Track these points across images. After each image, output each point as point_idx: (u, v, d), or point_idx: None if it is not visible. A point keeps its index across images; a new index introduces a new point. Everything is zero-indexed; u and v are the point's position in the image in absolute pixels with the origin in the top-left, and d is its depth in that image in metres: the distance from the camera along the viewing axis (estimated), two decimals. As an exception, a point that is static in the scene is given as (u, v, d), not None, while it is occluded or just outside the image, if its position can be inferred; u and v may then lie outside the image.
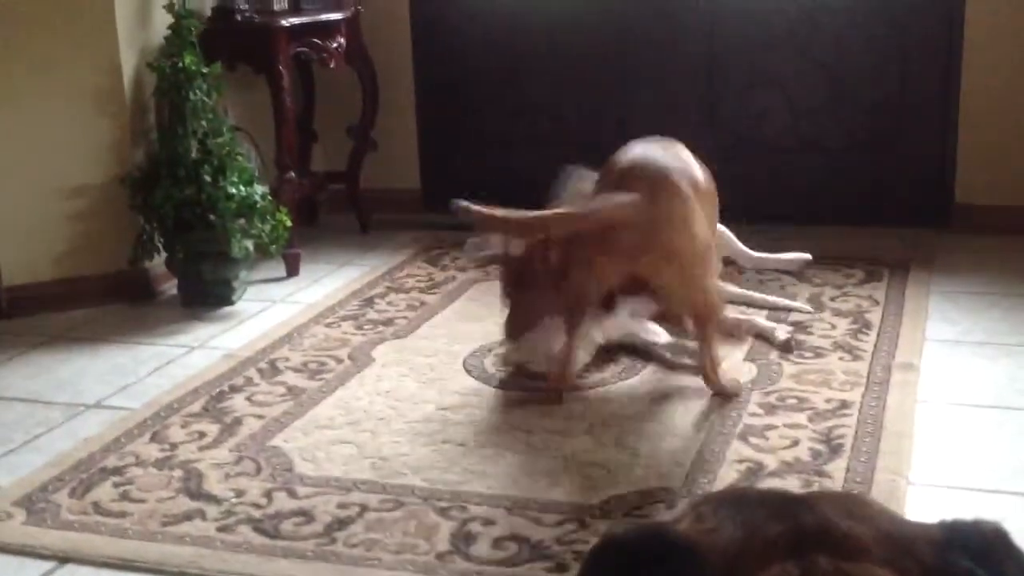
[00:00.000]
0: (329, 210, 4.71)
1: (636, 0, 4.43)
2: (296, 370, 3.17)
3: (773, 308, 3.44)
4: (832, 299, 3.55)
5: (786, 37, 4.32)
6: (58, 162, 3.70)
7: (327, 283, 3.95)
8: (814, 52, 4.31)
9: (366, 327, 3.48)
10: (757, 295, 3.51)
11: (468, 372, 3.11)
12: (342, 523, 2.34)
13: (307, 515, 2.38)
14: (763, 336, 3.22)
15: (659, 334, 3.19)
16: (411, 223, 4.56)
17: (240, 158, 3.76)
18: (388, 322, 3.52)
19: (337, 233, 4.53)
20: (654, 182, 2.74)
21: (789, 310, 3.43)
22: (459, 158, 4.72)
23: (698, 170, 2.89)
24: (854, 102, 4.31)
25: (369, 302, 3.71)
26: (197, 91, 3.67)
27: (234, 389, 3.05)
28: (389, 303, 3.69)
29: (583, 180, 3.11)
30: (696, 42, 4.41)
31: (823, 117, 4.35)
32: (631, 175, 2.77)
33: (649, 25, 4.43)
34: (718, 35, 4.37)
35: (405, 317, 3.56)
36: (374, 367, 3.17)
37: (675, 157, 2.87)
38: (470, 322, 3.47)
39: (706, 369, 2.88)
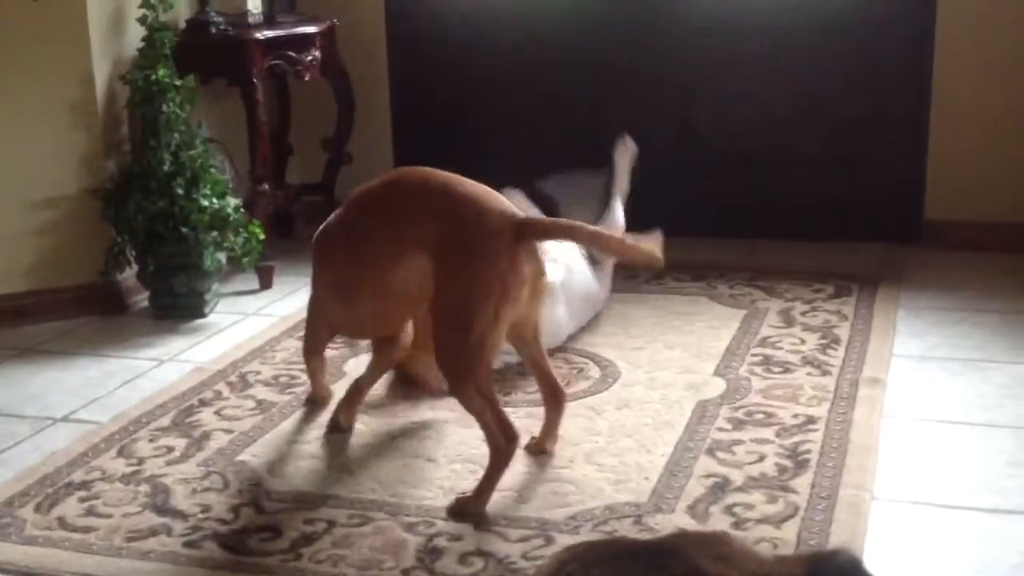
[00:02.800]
0: (305, 222, 4.71)
1: (613, 15, 4.46)
2: (267, 384, 3.17)
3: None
4: (802, 314, 3.57)
5: (762, 53, 4.35)
6: (30, 174, 3.69)
7: (300, 296, 3.94)
8: (789, 69, 4.34)
9: (338, 341, 3.48)
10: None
11: (439, 386, 3.11)
12: (309, 539, 2.34)
13: (274, 530, 2.38)
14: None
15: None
16: (386, 236, 4.55)
17: (213, 170, 3.76)
18: (360, 335, 3.52)
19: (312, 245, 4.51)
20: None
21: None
22: (434, 171, 4.73)
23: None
24: (827, 119, 4.35)
25: (342, 315, 3.70)
26: (170, 103, 3.67)
27: (203, 403, 3.04)
28: (362, 316, 3.69)
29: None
30: (674, 56, 4.43)
31: (796, 133, 4.38)
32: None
33: (626, 39, 4.45)
34: (695, 50, 4.40)
35: (377, 331, 3.56)
36: (345, 381, 3.17)
37: None
38: (442, 336, 3.47)
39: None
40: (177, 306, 3.71)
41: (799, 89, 4.35)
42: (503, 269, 2.40)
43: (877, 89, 4.28)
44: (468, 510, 2.42)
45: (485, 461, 2.64)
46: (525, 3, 4.57)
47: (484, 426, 2.47)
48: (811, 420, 2.81)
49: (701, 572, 1.17)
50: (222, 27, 4.01)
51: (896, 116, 4.28)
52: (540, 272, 2.53)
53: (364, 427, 2.87)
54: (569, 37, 4.52)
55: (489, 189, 2.54)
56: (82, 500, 2.53)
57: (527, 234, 2.45)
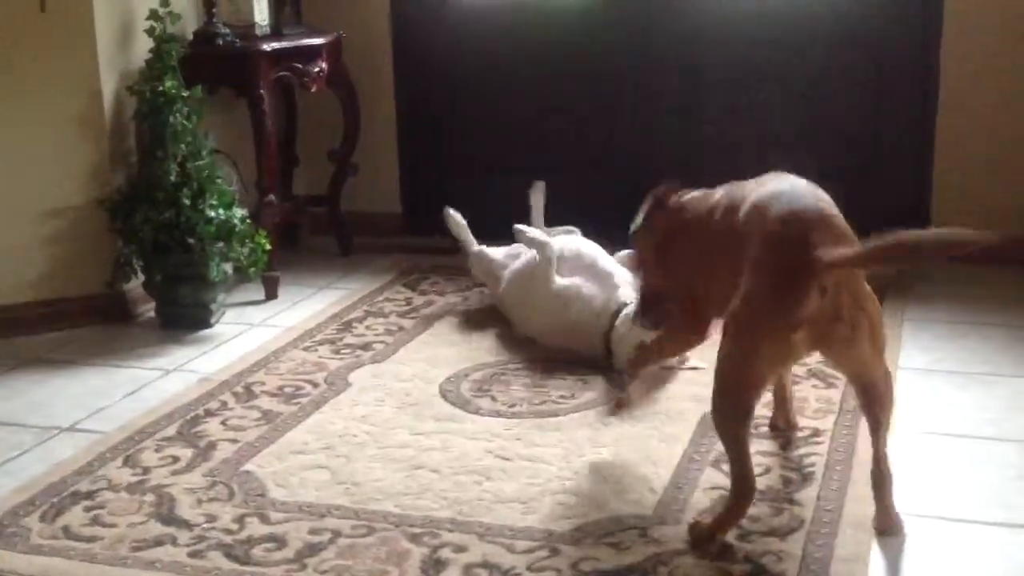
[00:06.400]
0: (310, 233, 4.73)
1: (617, 29, 4.47)
2: (272, 394, 3.17)
3: None
4: (808, 327, 3.56)
5: (766, 68, 4.35)
6: (38, 185, 3.71)
7: (306, 307, 3.96)
8: (793, 83, 4.35)
9: (344, 351, 3.48)
10: None
11: (444, 397, 3.11)
12: (313, 549, 2.34)
13: (279, 541, 2.38)
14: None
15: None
16: (392, 247, 4.58)
17: (220, 181, 3.76)
18: (366, 346, 3.52)
19: (317, 256, 4.53)
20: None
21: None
22: (440, 182, 4.73)
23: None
24: (832, 133, 4.35)
25: (347, 326, 3.71)
26: (177, 115, 3.68)
27: (209, 413, 3.05)
28: (367, 327, 3.69)
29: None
30: (677, 72, 4.44)
31: (801, 147, 4.38)
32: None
33: (630, 55, 4.46)
34: (699, 65, 4.41)
35: (383, 341, 3.56)
36: (350, 392, 3.17)
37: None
38: (447, 347, 3.48)
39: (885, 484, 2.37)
40: (183, 316, 3.72)
41: (804, 103, 4.36)
42: None
43: (882, 102, 4.28)
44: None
45: (491, 472, 2.64)
46: (531, 16, 4.58)
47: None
48: (816, 433, 2.81)
49: None
50: (229, 39, 4.03)
51: (902, 129, 4.28)
52: None
53: (369, 437, 2.87)
54: (575, 51, 4.53)
55: None
56: (87, 509, 2.53)
57: None
